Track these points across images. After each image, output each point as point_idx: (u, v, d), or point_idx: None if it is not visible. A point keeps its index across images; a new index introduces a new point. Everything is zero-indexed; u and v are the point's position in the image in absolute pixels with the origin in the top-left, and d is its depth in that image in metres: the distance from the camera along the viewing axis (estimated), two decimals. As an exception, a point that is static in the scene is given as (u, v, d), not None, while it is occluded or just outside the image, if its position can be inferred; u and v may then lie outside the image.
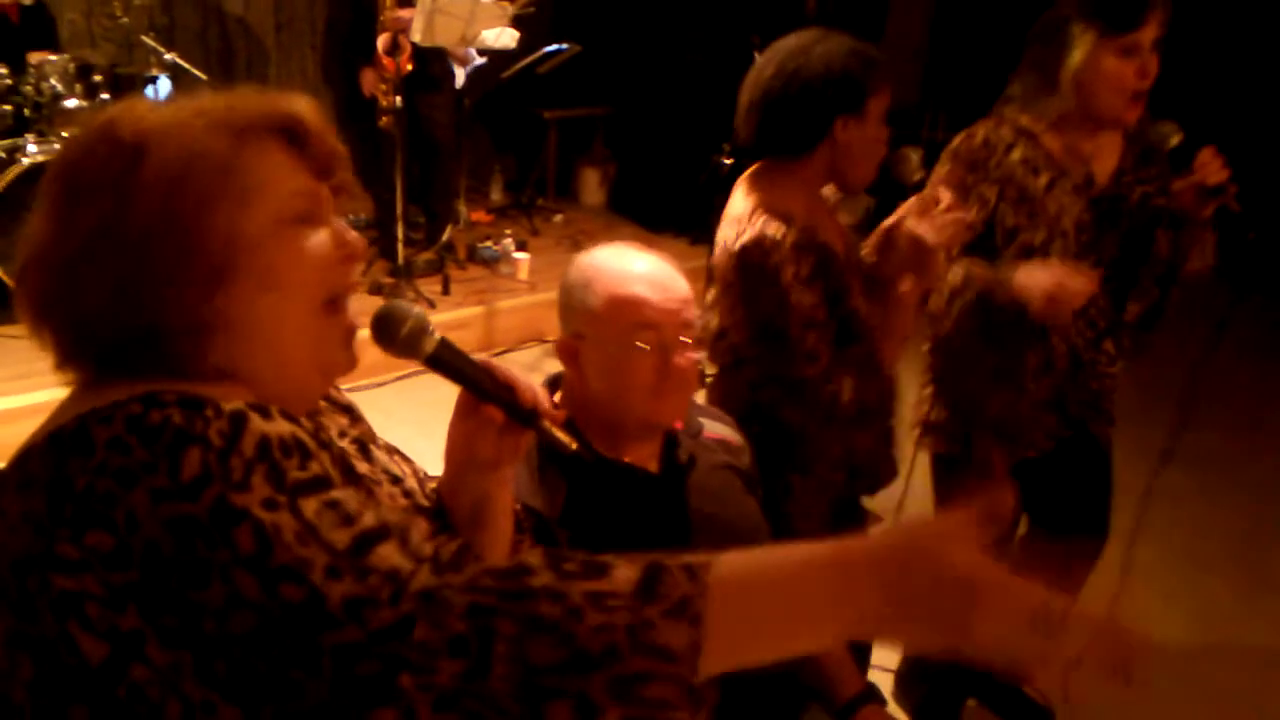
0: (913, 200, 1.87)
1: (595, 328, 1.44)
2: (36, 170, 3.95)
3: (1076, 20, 1.91)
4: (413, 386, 3.85)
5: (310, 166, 0.93)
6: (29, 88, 4.19)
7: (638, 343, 1.42)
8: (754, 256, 1.84)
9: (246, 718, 0.74)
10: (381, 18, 4.45)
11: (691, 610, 0.72)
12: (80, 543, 0.73)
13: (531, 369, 4.64)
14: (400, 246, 4.71)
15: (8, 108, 4.17)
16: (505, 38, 4.83)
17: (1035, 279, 1.95)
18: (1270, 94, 6.03)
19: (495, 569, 0.75)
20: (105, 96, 4.38)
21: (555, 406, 1.04)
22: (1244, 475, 3.93)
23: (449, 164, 5.23)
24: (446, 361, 1.00)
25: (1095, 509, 2.37)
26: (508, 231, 5.62)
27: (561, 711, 0.70)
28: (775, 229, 1.84)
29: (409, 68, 4.51)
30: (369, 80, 4.62)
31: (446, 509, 1.08)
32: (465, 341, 3.30)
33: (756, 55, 4.36)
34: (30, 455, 0.79)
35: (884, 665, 2.61)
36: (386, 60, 4.44)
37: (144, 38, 4.81)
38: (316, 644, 0.71)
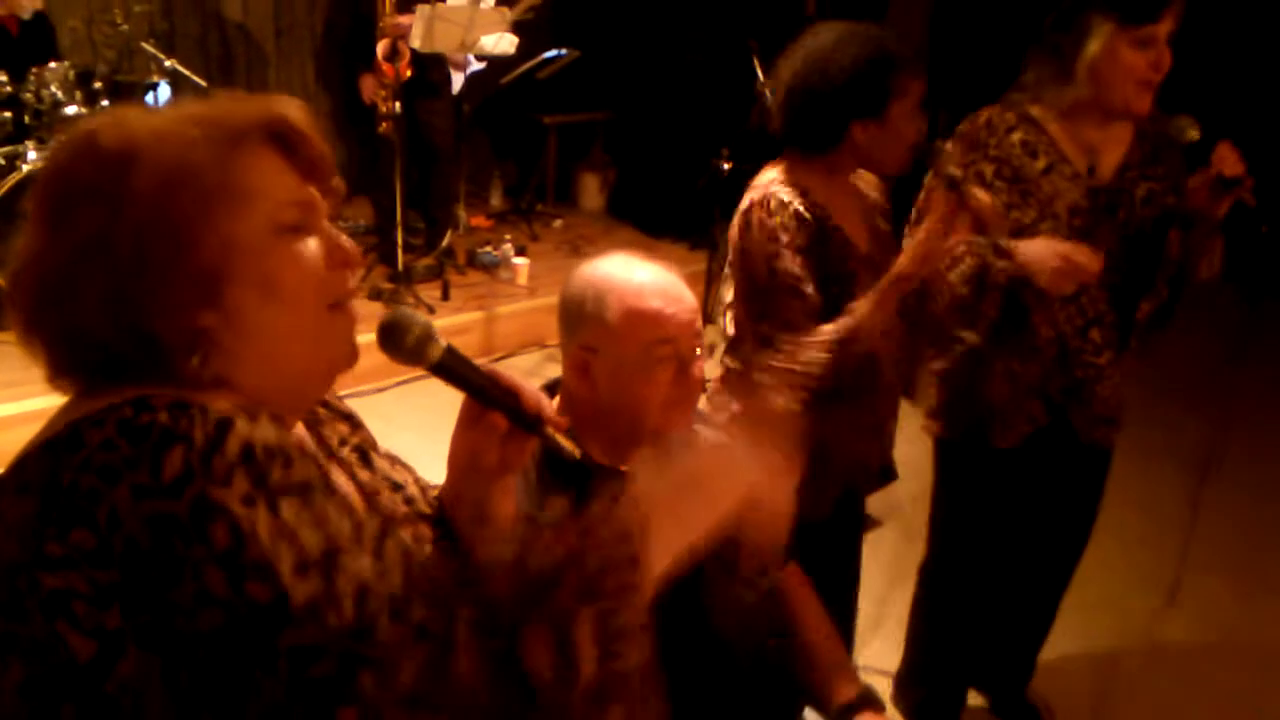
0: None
1: (611, 342, 1.44)
2: (37, 177, 3.96)
3: (1095, 11, 1.93)
4: (413, 392, 3.86)
5: (300, 169, 0.92)
6: (29, 95, 4.19)
7: (658, 355, 1.43)
8: (757, 213, 1.89)
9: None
10: (381, 24, 4.46)
11: (625, 508, 0.83)
12: (65, 540, 0.74)
13: (531, 374, 4.64)
14: (400, 252, 4.72)
15: (8, 115, 4.17)
16: (504, 43, 4.84)
17: (1040, 251, 1.95)
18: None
19: (459, 575, 0.79)
20: (105, 104, 4.38)
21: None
22: (1244, 476, 3.93)
23: (448, 169, 5.24)
24: (452, 369, 1.00)
25: (1075, 511, 2.37)
26: (507, 236, 5.63)
27: (539, 634, 0.73)
28: (786, 194, 1.89)
29: (408, 74, 4.52)
30: (369, 86, 4.63)
31: (449, 516, 1.09)
32: (465, 347, 3.29)
33: (755, 59, 4.38)
34: (26, 462, 0.80)
35: (883, 668, 2.62)
36: (386, 66, 4.45)
37: (144, 44, 4.82)
38: (274, 644, 0.72)
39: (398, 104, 4.50)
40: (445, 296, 4.95)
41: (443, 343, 0.99)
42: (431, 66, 4.77)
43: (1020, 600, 2.48)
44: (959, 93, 1.89)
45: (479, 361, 1.04)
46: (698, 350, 1.49)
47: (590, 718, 0.75)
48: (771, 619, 1.61)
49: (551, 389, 1.56)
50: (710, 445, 0.96)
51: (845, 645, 2.22)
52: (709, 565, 1.41)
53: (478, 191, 6.33)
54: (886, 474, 2.19)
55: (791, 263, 1.86)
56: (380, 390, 3.87)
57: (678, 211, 5.86)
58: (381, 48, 4.44)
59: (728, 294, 2.06)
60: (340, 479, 1.01)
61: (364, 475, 1.04)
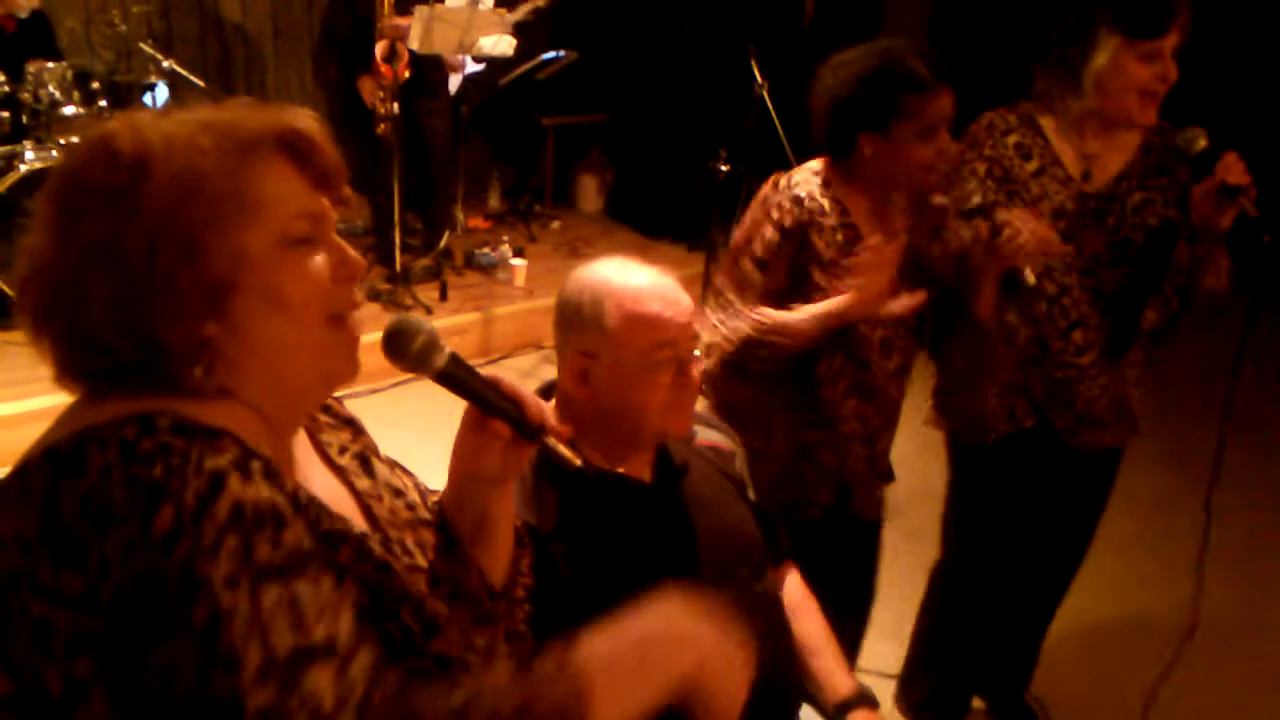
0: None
1: (611, 347, 1.44)
2: (34, 177, 3.96)
3: (1102, 24, 1.94)
4: (410, 393, 3.85)
5: (312, 180, 0.93)
6: (27, 95, 4.20)
7: (657, 358, 1.43)
8: (770, 186, 1.99)
9: None
10: (379, 25, 4.46)
11: (569, 673, 0.86)
12: (57, 575, 0.75)
13: (529, 375, 4.64)
14: (398, 253, 4.72)
15: (5, 114, 4.17)
16: (503, 45, 4.84)
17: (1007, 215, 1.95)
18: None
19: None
20: (103, 104, 4.38)
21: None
22: (1244, 480, 3.93)
23: (446, 170, 5.24)
24: (456, 377, 1.00)
25: (1071, 516, 2.37)
26: (505, 238, 5.63)
27: None
28: (806, 179, 1.97)
29: (406, 75, 4.52)
30: (367, 88, 4.62)
31: (449, 523, 1.09)
32: (462, 348, 3.30)
33: (753, 62, 4.39)
34: (28, 469, 0.80)
35: (883, 670, 2.62)
36: (384, 67, 4.45)
37: (142, 45, 4.82)
38: None
39: (396, 105, 4.50)
40: (443, 297, 4.95)
41: (447, 351, 0.99)
42: (430, 68, 4.78)
43: (1021, 603, 2.49)
44: (956, 94, 1.90)
45: (477, 363, 1.04)
46: (696, 352, 1.50)
47: None
48: (768, 619, 1.61)
49: (546, 392, 1.56)
50: (663, 609, 0.95)
51: (851, 647, 2.23)
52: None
53: (476, 192, 6.33)
54: (883, 476, 2.18)
55: (771, 236, 1.93)
56: (375, 392, 3.86)
57: (676, 213, 5.87)
58: (380, 49, 4.44)
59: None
60: (338, 488, 1.01)
61: (363, 484, 1.04)
